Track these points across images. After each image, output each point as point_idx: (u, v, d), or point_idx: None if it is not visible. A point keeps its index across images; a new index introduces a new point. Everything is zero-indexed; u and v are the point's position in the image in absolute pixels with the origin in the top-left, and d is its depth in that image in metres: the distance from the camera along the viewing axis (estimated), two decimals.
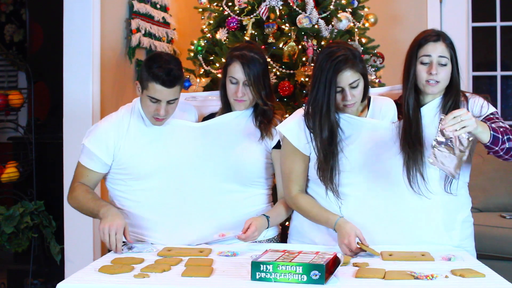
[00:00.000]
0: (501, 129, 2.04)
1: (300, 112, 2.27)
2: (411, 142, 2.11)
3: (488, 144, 2.00)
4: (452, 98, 2.16)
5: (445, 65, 2.13)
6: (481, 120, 2.08)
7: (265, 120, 2.34)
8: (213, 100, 2.54)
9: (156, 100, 2.21)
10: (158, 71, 2.18)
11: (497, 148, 2.01)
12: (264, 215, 2.23)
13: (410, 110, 2.15)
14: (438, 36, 2.15)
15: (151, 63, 2.22)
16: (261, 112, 2.35)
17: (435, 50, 2.13)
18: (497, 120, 2.13)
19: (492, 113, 2.15)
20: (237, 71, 2.31)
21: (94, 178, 2.32)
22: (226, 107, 2.41)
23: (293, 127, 2.23)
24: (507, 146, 2.02)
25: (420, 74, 2.15)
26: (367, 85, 2.21)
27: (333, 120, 2.14)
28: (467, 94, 2.23)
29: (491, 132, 1.99)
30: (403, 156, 2.13)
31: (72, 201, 2.30)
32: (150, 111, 2.25)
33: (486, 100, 2.19)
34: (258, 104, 2.35)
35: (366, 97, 2.25)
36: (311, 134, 2.17)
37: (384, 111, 2.24)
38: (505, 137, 2.02)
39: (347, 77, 2.11)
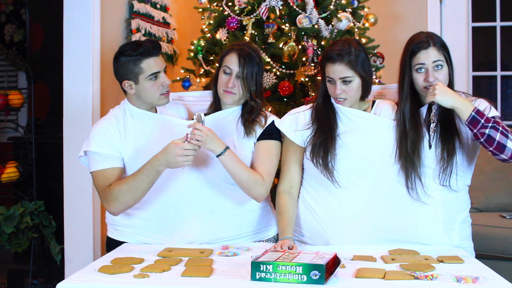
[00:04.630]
0: (493, 121, 1.99)
1: (295, 109, 2.35)
2: (407, 154, 2.12)
3: (467, 123, 2.00)
4: None
5: (441, 67, 2.13)
6: None
7: (249, 118, 2.34)
8: (202, 99, 2.54)
9: (156, 75, 2.24)
10: (141, 48, 2.22)
11: (475, 131, 1.99)
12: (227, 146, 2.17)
13: (406, 120, 2.16)
14: (428, 42, 2.13)
15: (126, 52, 2.24)
16: (248, 110, 2.35)
17: (428, 58, 2.12)
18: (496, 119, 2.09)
19: (493, 117, 2.10)
20: (232, 62, 2.32)
21: (118, 174, 2.22)
22: (217, 104, 2.41)
23: (287, 121, 2.29)
24: (487, 133, 1.98)
25: (417, 81, 2.15)
26: (366, 87, 2.22)
27: (333, 106, 2.25)
28: (472, 98, 2.19)
29: (473, 113, 1.99)
30: (401, 166, 2.14)
31: (116, 201, 2.15)
32: (156, 90, 2.26)
33: (491, 104, 2.16)
34: (246, 103, 2.35)
35: (363, 98, 2.26)
36: (308, 122, 2.25)
37: (384, 115, 2.25)
38: (490, 125, 1.99)
39: (338, 70, 2.17)
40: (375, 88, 2.50)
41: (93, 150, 2.21)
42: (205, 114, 2.43)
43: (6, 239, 3.29)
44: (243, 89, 2.31)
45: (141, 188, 2.14)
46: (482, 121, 1.99)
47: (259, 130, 2.31)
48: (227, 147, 2.15)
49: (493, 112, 2.12)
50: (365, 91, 2.24)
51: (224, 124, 2.34)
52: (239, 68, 2.30)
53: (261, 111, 2.36)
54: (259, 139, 2.31)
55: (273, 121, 2.32)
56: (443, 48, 2.14)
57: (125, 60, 2.23)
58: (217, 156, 2.15)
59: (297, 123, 2.28)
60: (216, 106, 2.41)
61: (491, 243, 3.12)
